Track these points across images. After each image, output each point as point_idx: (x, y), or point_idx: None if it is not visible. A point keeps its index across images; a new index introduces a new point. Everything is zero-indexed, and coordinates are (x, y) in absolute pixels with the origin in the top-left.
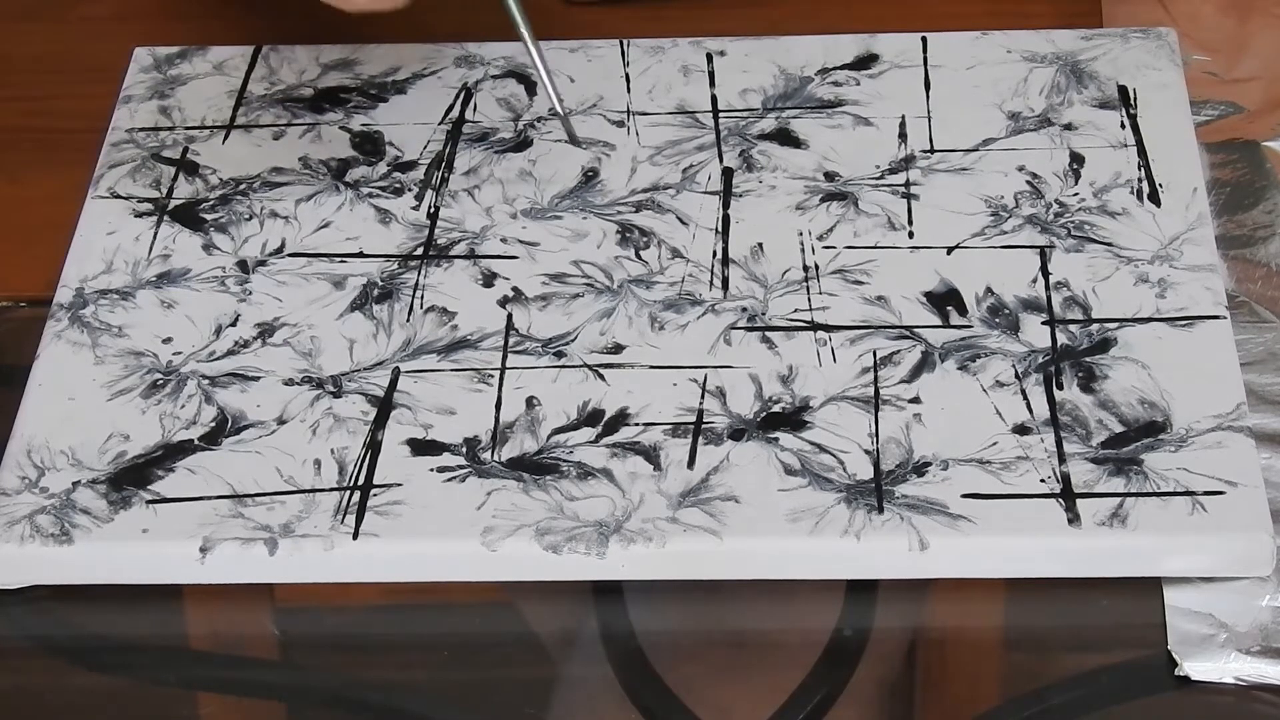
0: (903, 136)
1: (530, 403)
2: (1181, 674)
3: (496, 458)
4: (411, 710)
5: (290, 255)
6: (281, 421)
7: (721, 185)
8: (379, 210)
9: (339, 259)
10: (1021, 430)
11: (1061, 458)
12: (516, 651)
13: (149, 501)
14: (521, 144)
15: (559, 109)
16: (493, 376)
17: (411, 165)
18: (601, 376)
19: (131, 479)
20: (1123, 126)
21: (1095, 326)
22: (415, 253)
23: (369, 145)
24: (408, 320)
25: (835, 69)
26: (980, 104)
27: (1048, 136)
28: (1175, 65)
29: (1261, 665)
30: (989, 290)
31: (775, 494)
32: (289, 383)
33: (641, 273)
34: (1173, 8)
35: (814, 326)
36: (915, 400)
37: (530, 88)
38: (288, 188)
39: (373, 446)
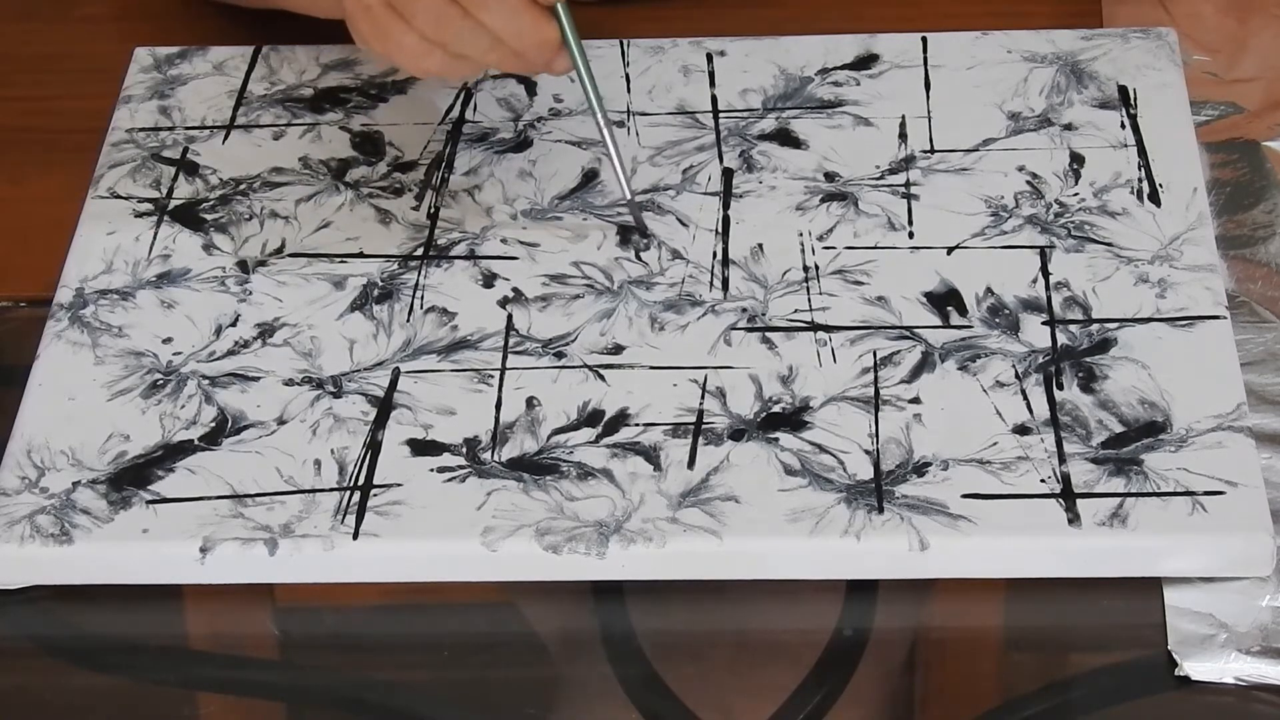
0: (903, 136)
1: (530, 403)
2: (1181, 674)
3: (496, 458)
4: (411, 710)
5: (290, 255)
6: (281, 422)
7: (721, 186)
8: (379, 210)
9: (339, 259)
10: (1021, 430)
11: (1061, 458)
12: (516, 651)
13: (149, 502)
14: (521, 144)
15: (627, 192)
16: (493, 377)
17: (412, 165)
18: (601, 377)
19: (131, 479)
20: (1123, 126)
21: (1095, 327)
22: (415, 253)
23: (369, 145)
24: (408, 320)
25: (835, 69)
26: (980, 104)
27: (1048, 136)
28: (1175, 65)
29: (1261, 665)
30: (989, 290)
31: (775, 494)
32: (289, 383)
33: (641, 274)
34: (1173, 8)
35: (814, 327)
36: (915, 400)
37: (530, 88)
38: (288, 188)
39: (373, 446)
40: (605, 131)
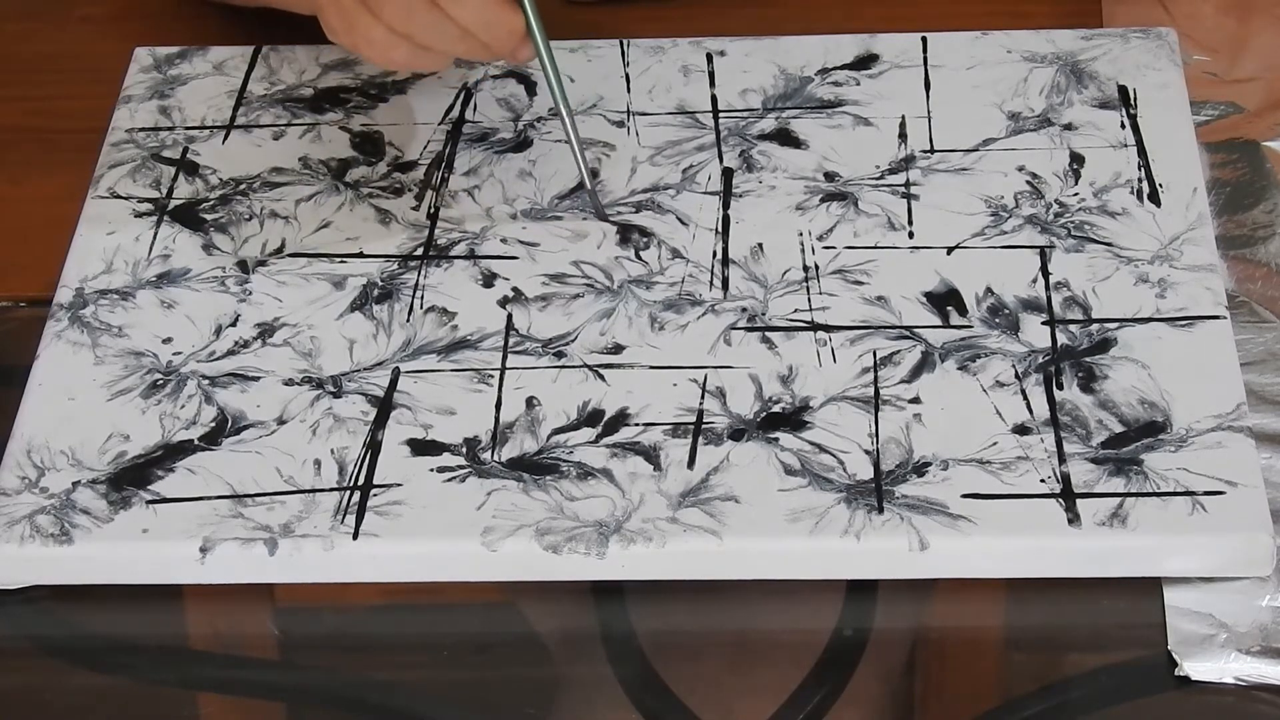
0: (903, 136)
1: (530, 403)
2: (1181, 674)
3: (496, 458)
4: (411, 710)
5: (290, 255)
6: (281, 421)
7: (721, 185)
8: (379, 210)
9: (339, 259)
10: (1021, 430)
11: (1061, 458)
12: (516, 651)
13: (149, 501)
14: (521, 144)
15: (587, 183)
16: (493, 376)
17: (412, 165)
18: (601, 377)
19: (131, 479)
20: (1123, 126)
21: (1095, 326)
22: (415, 253)
23: (369, 145)
24: (408, 320)
25: (835, 69)
26: (980, 104)
27: (1048, 136)
28: (1175, 65)
29: (1261, 665)
30: (989, 290)
31: (775, 494)
32: (289, 383)
33: (641, 273)
34: (1173, 8)
35: (814, 327)
36: (915, 400)
37: (530, 88)
38: (288, 188)
39: (373, 446)
40: (566, 119)
